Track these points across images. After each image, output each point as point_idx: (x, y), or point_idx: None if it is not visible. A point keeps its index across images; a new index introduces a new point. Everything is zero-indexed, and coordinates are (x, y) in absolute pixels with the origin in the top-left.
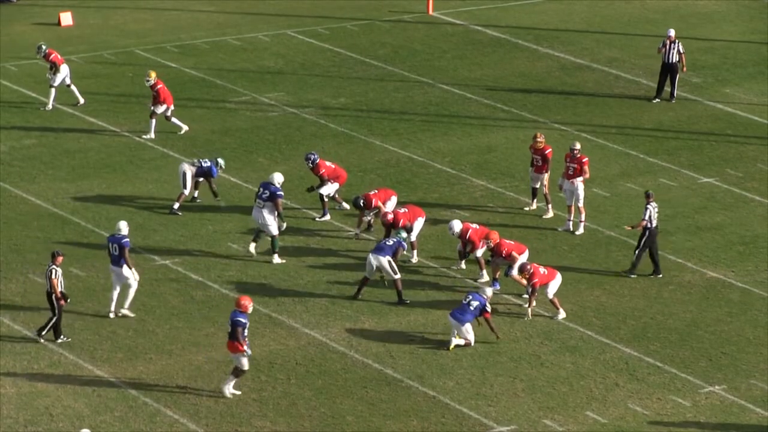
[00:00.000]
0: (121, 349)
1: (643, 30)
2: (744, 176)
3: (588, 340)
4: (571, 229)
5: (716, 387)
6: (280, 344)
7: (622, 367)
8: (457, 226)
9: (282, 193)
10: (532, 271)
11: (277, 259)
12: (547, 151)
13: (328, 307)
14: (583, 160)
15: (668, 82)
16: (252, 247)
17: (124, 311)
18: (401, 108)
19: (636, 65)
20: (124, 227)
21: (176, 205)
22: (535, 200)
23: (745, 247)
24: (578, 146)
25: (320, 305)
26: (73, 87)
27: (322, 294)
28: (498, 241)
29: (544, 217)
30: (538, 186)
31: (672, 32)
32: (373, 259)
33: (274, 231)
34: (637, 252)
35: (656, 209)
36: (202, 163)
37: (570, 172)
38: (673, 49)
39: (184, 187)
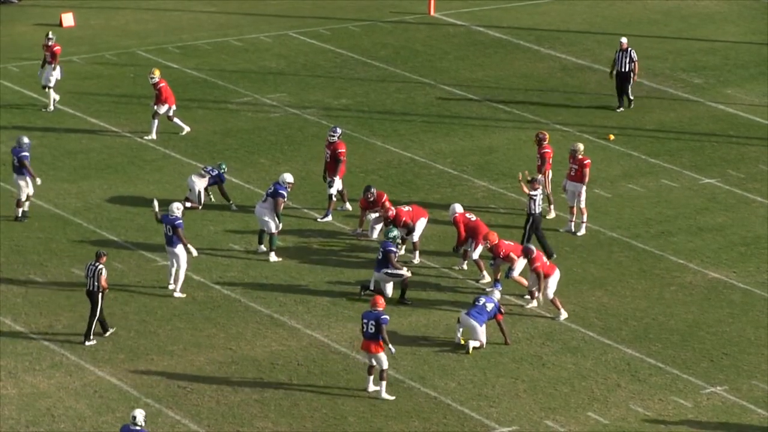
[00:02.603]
0: (123, 350)
1: (645, 31)
2: (745, 177)
3: (589, 341)
4: (573, 230)
5: (718, 388)
6: (281, 345)
7: (624, 368)
8: (458, 208)
9: (284, 193)
10: (535, 254)
11: (273, 257)
12: (545, 151)
13: (330, 307)
14: (585, 162)
15: (627, 90)
16: (261, 248)
17: (177, 294)
18: (403, 109)
19: (637, 66)
20: (176, 208)
21: (187, 204)
22: None
23: (747, 248)
24: (580, 147)
25: (322, 306)
26: (52, 92)
27: (324, 294)
28: (496, 242)
29: (546, 217)
30: None
31: (624, 40)
32: (375, 276)
33: (273, 228)
34: (529, 239)
35: (540, 196)
36: (211, 172)
37: (572, 173)
38: (625, 57)
39: (199, 203)
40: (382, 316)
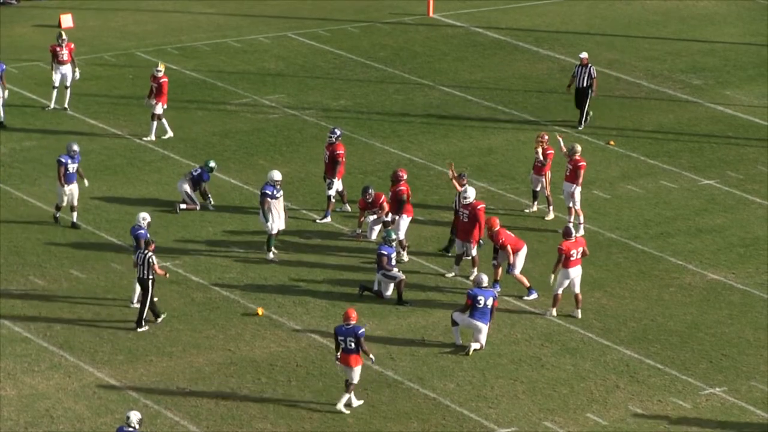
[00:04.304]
0: (122, 351)
1: (644, 32)
2: (744, 178)
3: (589, 342)
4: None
5: (717, 389)
6: (280, 346)
7: (623, 369)
8: (471, 193)
9: (268, 191)
10: (574, 238)
11: (270, 255)
12: (548, 152)
13: (329, 308)
14: (579, 163)
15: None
16: (270, 254)
17: (135, 305)
18: (402, 110)
19: (636, 67)
20: (142, 219)
21: (183, 206)
22: (536, 202)
23: (746, 249)
24: (577, 148)
25: (320, 307)
26: (68, 91)
27: (323, 296)
28: (497, 228)
29: (545, 218)
30: (538, 189)
31: (584, 55)
32: (376, 277)
33: (269, 229)
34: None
35: (468, 191)
36: (194, 173)
37: (567, 173)
38: (585, 72)
39: (194, 203)
40: (359, 331)
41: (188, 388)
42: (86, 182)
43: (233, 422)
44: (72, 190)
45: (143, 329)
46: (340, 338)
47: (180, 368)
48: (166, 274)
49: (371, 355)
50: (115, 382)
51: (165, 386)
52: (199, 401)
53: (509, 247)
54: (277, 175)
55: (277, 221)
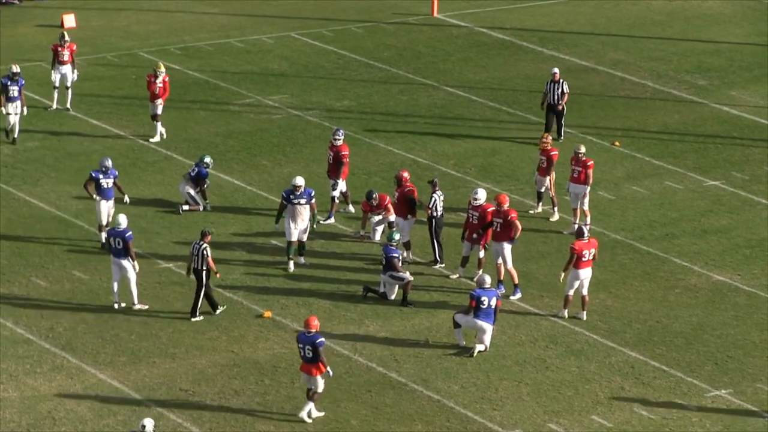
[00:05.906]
0: (125, 353)
1: (649, 32)
2: (750, 179)
3: (593, 344)
4: None
5: (722, 391)
6: (284, 348)
7: (628, 371)
8: (482, 194)
9: (283, 195)
10: (587, 239)
11: (292, 264)
12: (552, 153)
13: (332, 310)
14: (588, 164)
15: (555, 120)
16: (296, 261)
17: (137, 306)
18: (406, 110)
19: (641, 67)
20: (123, 220)
21: (185, 207)
22: (540, 203)
23: (751, 251)
24: (583, 149)
25: (324, 308)
26: (69, 91)
27: (326, 297)
28: (506, 206)
29: (550, 219)
30: (543, 190)
31: (556, 71)
32: (382, 278)
33: (285, 235)
34: (433, 243)
35: (441, 198)
36: (191, 173)
37: (575, 175)
38: (557, 89)
39: (196, 203)
40: (318, 340)
41: (191, 389)
42: (127, 198)
43: (236, 424)
44: (109, 206)
45: (197, 319)
46: (299, 345)
47: (183, 370)
48: (218, 273)
49: (328, 369)
50: (118, 384)
51: (168, 388)
52: (202, 403)
53: (518, 223)
54: (296, 180)
55: (294, 229)
